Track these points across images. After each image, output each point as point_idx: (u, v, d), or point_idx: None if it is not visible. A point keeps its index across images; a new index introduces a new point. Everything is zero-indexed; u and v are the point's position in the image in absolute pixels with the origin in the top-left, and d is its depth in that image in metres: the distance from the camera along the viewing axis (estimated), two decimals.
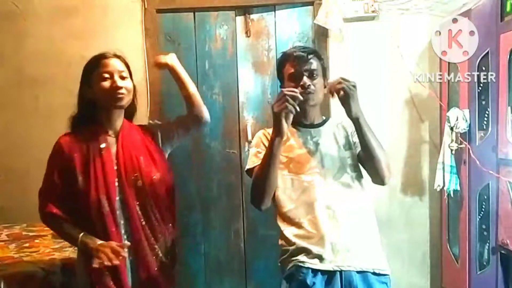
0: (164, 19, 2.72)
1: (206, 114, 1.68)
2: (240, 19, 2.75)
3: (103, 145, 1.49)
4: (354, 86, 1.42)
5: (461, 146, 2.34)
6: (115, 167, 1.48)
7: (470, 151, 2.27)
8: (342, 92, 1.41)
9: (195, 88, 1.69)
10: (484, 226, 2.32)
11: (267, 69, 2.74)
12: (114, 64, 1.50)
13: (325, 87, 1.60)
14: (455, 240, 2.51)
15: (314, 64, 1.58)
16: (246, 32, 2.74)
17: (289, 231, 1.48)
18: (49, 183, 1.50)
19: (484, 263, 2.32)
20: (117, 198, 1.46)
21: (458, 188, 2.38)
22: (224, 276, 2.81)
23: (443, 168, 2.41)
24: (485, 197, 2.30)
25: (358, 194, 1.54)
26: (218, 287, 2.81)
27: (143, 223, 1.48)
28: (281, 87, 1.65)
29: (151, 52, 2.66)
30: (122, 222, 1.46)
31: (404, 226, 2.72)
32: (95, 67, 1.50)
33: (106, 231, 1.42)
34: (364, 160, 1.53)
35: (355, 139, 1.57)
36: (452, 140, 2.36)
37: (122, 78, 1.50)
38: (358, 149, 1.55)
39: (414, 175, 2.72)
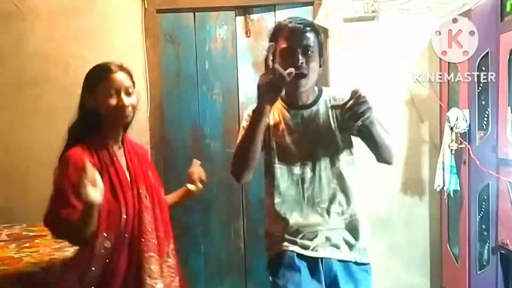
0: (164, 19, 2.72)
1: None
2: (240, 19, 2.75)
3: (116, 156, 1.45)
4: (366, 102, 1.24)
5: (461, 146, 2.34)
6: (129, 179, 1.44)
7: (470, 151, 2.27)
8: (359, 121, 1.25)
9: None
10: (484, 226, 2.32)
11: None
12: (121, 80, 1.44)
13: (320, 66, 1.45)
14: (455, 240, 2.51)
15: (311, 39, 1.41)
16: (246, 32, 2.74)
17: (275, 223, 1.47)
18: (62, 194, 1.37)
19: (484, 263, 2.32)
20: (133, 209, 1.41)
21: (458, 188, 2.38)
22: (224, 276, 2.81)
23: (443, 168, 2.41)
24: (485, 197, 2.30)
25: (348, 183, 1.46)
26: (218, 287, 2.81)
27: (153, 238, 1.44)
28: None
29: (151, 52, 2.67)
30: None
31: (404, 226, 2.72)
32: (100, 79, 1.43)
33: (122, 241, 1.38)
34: (371, 148, 1.41)
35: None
36: (452, 140, 2.36)
37: (128, 94, 1.44)
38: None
39: (414, 175, 2.72)
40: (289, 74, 1.23)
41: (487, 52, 2.24)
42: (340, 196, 1.46)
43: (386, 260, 2.70)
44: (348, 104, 1.22)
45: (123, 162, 1.47)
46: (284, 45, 1.40)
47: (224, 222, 2.81)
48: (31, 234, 2.07)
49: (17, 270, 1.53)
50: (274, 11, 2.72)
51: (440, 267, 2.69)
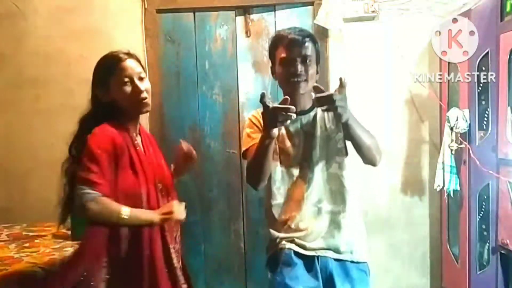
0: (164, 19, 2.72)
1: None
2: (240, 19, 2.74)
3: (136, 141, 1.46)
4: (345, 96, 1.34)
5: (461, 146, 2.34)
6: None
7: (470, 151, 2.27)
8: (333, 111, 1.34)
9: None
10: (484, 226, 2.32)
11: (267, 69, 2.73)
12: (132, 67, 1.42)
13: (317, 72, 1.57)
14: (455, 240, 2.51)
15: (309, 49, 1.53)
16: (246, 32, 2.74)
17: (274, 223, 1.56)
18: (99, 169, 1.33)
19: (484, 263, 2.32)
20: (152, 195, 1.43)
21: (458, 188, 2.38)
22: (224, 276, 2.81)
23: (443, 168, 2.41)
24: (485, 197, 2.30)
25: (344, 183, 1.56)
26: (218, 287, 2.81)
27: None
28: (271, 68, 1.64)
29: (151, 52, 2.66)
30: None
31: (404, 226, 2.72)
32: (112, 71, 1.41)
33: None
34: (355, 149, 1.49)
35: None
36: (452, 140, 2.36)
37: (141, 79, 1.43)
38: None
39: (414, 175, 2.72)
40: (292, 111, 1.30)
41: (487, 52, 2.24)
42: (337, 197, 1.55)
43: (386, 260, 2.70)
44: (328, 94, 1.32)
45: (141, 150, 1.48)
46: (284, 55, 1.53)
47: (224, 222, 2.81)
48: (31, 234, 2.07)
49: (17, 270, 1.53)
50: (274, 11, 2.72)
51: (440, 267, 2.69)
